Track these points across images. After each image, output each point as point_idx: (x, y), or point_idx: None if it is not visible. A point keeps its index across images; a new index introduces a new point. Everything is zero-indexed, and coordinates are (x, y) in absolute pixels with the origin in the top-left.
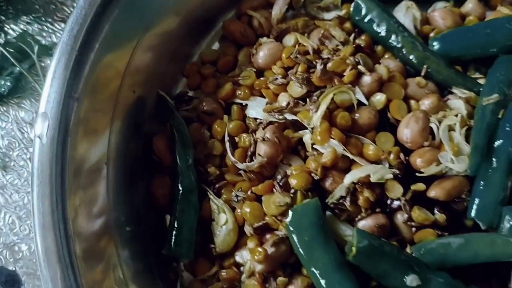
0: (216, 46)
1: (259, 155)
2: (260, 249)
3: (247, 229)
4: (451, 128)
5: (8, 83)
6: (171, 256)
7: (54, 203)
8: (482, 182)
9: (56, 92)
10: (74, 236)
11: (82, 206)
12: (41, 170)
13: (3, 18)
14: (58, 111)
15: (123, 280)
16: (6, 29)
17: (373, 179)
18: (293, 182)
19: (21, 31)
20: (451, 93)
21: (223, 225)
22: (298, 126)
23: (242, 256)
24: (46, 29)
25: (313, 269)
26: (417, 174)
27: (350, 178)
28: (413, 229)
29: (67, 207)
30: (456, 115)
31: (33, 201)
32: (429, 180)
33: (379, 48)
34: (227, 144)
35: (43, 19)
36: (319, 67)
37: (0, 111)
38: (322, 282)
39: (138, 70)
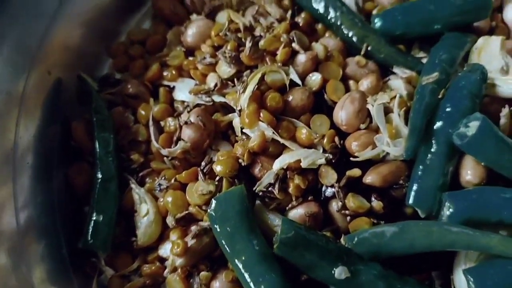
0: (147, 24)
1: (183, 140)
2: (179, 241)
3: (169, 220)
4: (389, 110)
5: None
6: (89, 250)
7: None
8: (420, 167)
9: None
10: None
11: None
12: None
13: None
14: None
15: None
16: None
17: (303, 164)
18: (217, 168)
19: None
20: (394, 73)
21: (144, 216)
22: (228, 109)
23: (166, 250)
24: None
25: (236, 262)
26: (351, 159)
27: (278, 163)
28: (348, 217)
29: None
30: (395, 96)
31: None
32: (368, 165)
33: (319, 26)
34: (151, 129)
35: None
36: (248, 44)
37: None
38: (246, 275)
39: (55, 49)
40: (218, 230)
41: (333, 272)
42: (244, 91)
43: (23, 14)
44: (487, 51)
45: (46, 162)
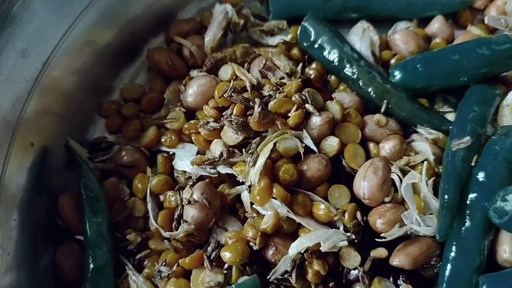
0: (142, 77)
1: (185, 221)
2: None
3: None
4: None
5: None
6: None
7: None
8: (454, 247)
9: None
10: None
11: None
12: None
13: None
14: None
15: None
16: None
17: (324, 248)
18: (226, 255)
19: None
20: (416, 131)
21: None
22: (235, 178)
23: None
24: None
25: None
26: (377, 239)
27: (295, 248)
28: None
29: None
30: (422, 162)
31: None
32: (394, 241)
33: (333, 78)
34: (149, 205)
35: None
36: (257, 109)
37: None
38: None
39: (38, 116)
40: None
41: None
42: (254, 164)
43: (1, 82)
44: None
45: (30, 241)
